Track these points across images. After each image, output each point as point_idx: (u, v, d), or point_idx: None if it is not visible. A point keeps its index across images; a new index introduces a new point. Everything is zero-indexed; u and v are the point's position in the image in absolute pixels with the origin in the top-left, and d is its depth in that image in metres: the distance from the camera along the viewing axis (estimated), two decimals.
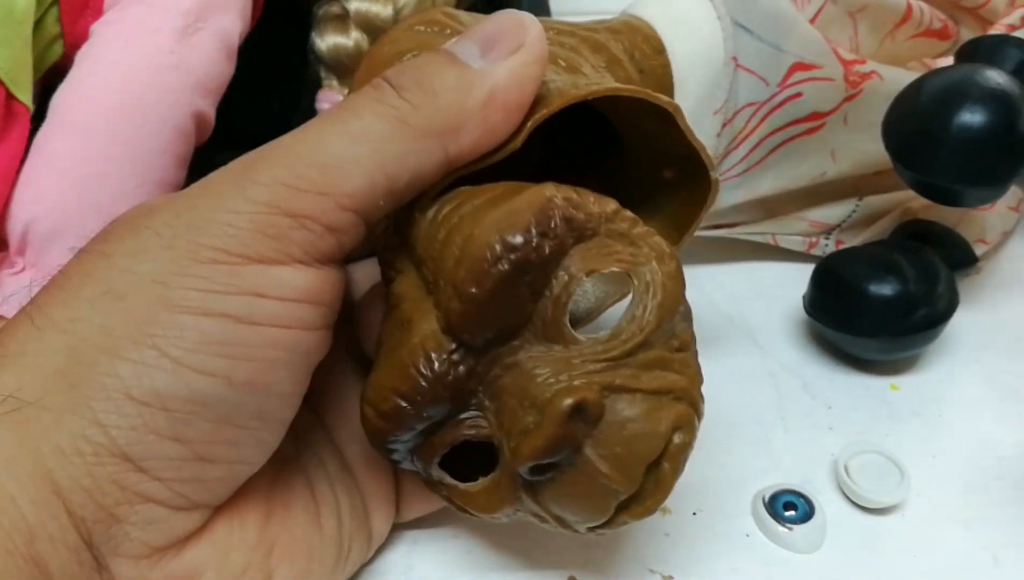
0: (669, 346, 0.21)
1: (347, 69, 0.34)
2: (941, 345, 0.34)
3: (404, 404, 0.20)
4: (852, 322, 0.32)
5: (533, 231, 0.19)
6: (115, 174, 0.28)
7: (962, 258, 0.35)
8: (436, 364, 0.20)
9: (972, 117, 0.28)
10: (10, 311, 0.27)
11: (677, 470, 0.21)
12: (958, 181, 0.29)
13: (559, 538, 0.27)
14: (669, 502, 0.28)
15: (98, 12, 0.31)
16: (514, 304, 0.19)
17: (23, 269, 0.28)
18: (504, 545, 0.26)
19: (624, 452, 0.20)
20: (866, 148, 0.35)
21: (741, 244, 0.37)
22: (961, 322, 0.34)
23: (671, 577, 0.26)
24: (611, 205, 0.20)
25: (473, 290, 0.19)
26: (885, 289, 0.31)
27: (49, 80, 0.31)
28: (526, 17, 0.21)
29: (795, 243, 0.37)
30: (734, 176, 0.33)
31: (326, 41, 0.34)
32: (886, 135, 0.31)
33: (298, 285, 0.19)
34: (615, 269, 0.20)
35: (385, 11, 0.34)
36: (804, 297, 0.33)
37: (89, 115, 0.28)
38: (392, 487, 0.25)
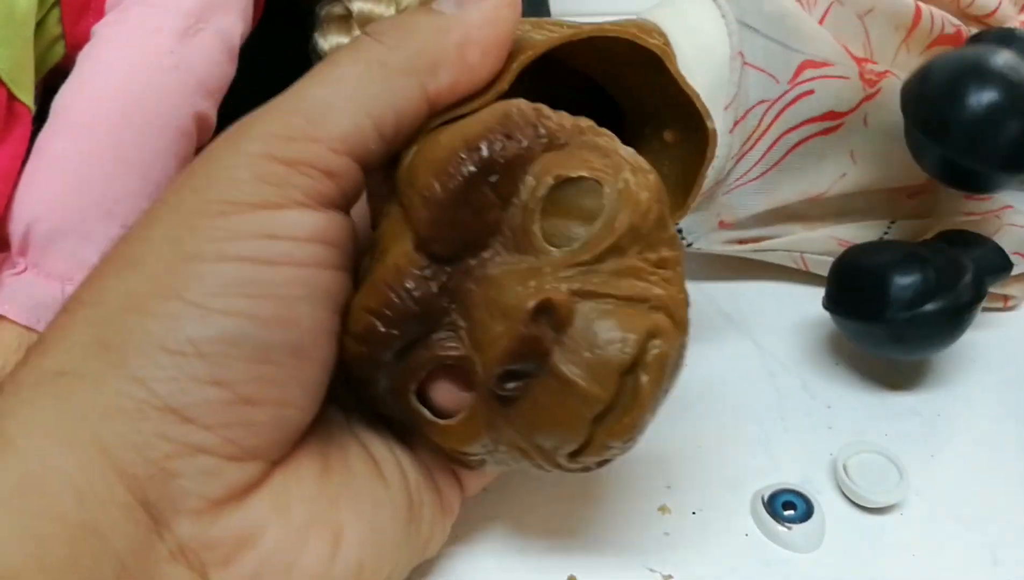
0: (645, 258, 0.20)
1: None
2: None
3: (377, 322, 0.20)
4: (872, 311, 0.30)
5: (498, 133, 0.19)
6: (117, 174, 0.28)
7: (994, 262, 0.33)
8: (407, 280, 0.20)
9: (984, 91, 0.28)
10: (11, 311, 0.27)
11: (657, 383, 0.20)
12: (972, 149, 0.28)
13: (559, 536, 0.27)
14: (669, 501, 0.28)
15: (100, 13, 0.31)
16: (480, 208, 0.19)
17: (25, 269, 0.28)
18: (504, 545, 0.26)
19: (593, 357, 0.19)
20: (888, 149, 0.34)
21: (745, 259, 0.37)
22: None
23: (671, 576, 0.26)
24: (585, 121, 0.21)
25: (438, 192, 0.19)
26: (907, 277, 0.30)
27: (51, 81, 0.31)
28: None
29: (824, 265, 0.35)
30: (753, 178, 0.33)
31: (329, 41, 0.34)
32: (904, 103, 0.30)
33: (307, 225, 0.19)
34: (584, 174, 0.19)
35: (388, 11, 0.34)
36: (824, 295, 0.32)
37: (91, 116, 0.28)
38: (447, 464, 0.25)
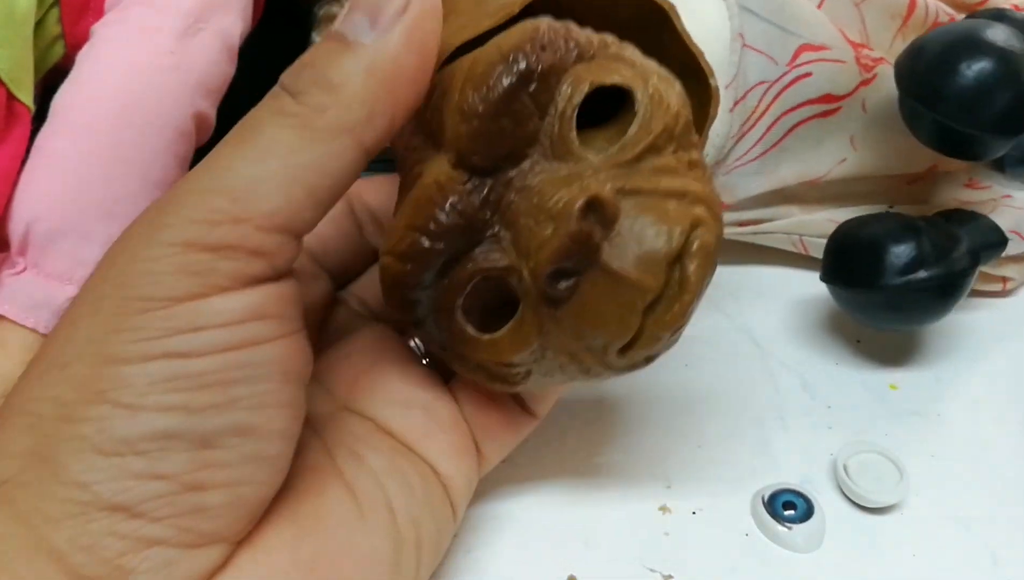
0: (679, 159, 0.20)
1: None
2: (940, 344, 0.34)
3: (421, 237, 0.20)
4: (867, 279, 0.31)
5: (533, 45, 0.20)
6: (116, 174, 0.28)
7: (989, 236, 0.34)
8: (450, 195, 0.20)
9: (977, 58, 0.28)
10: (11, 311, 0.27)
11: (702, 270, 0.20)
12: (968, 113, 0.29)
13: (559, 536, 0.27)
14: (669, 501, 0.28)
15: (99, 13, 0.31)
16: (520, 118, 0.20)
17: (24, 269, 0.28)
18: (504, 544, 0.26)
19: (641, 250, 0.19)
20: (888, 138, 0.34)
21: (745, 246, 0.37)
22: (961, 321, 0.34)
23: (671, 576, 0.26)
24: (609, 36, 0.21)
25: (478, 105, 0.19)
26: (901, 245, 0.30)
27: (50, 80, 0.31)
28: None
29: (822, 248, 0.35)
30: (752, 159, 0.33)
31: None
32: (898, 75, 0.31)
33: (235, 309, 0.18)
34: (617, 80, 0.20)
35: None
36: (821, 269, 0.33)
37: (90, 115, 0.28)
38: (462, 432, 0.24)
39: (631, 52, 0.21)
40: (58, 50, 0.31)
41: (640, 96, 0.20)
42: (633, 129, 0.20)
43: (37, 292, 0.28)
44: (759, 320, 0.35)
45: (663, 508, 0.28)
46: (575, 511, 0.27)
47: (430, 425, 0.24)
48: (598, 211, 0.19)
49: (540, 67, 0.20)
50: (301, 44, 0.35)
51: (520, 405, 0.26)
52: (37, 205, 0.28)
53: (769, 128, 0.33)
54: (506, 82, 0.19)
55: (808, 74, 0.32)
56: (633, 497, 0.28)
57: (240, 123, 0.20)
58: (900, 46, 0.35)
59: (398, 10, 0.19)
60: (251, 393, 0.19)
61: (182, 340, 0.18)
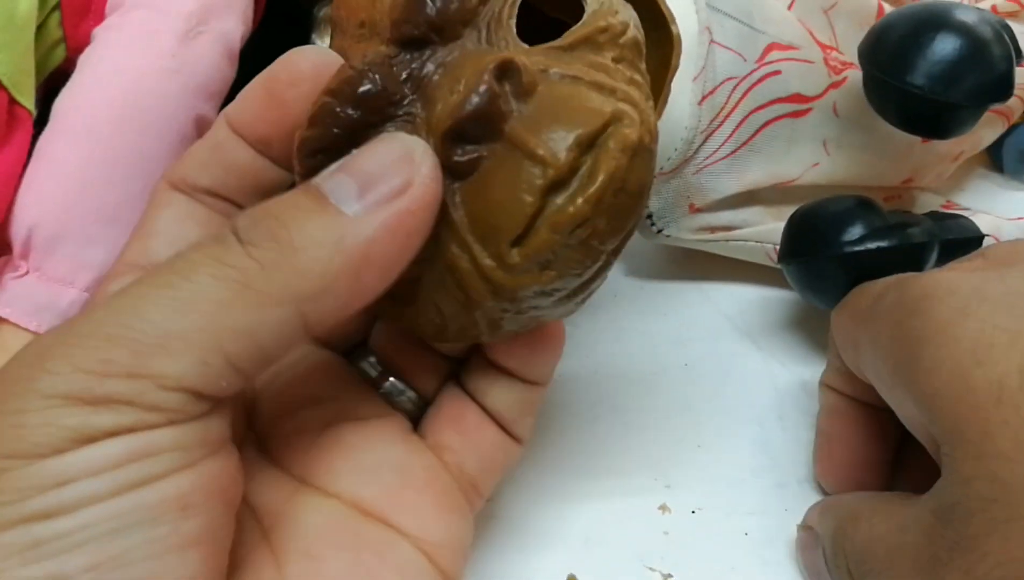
0: (620, 69, 0.19)
1: None
2: None
3: (332, 100, 0.18)
4: (823, 248, 0.30)
5: None
6: (118, 178, 0.28)
7: (965, 233, 0.33)
8: (372, 65, 0.19)
9: (943, 31, 0.29)
10: (13, 314, 0.27)
11: (616, 170, 0.17)
12: (937, 83, 0.29)
13: (559, 535, 0.27)
14: (668, 501, 0.28)
15: (100, 16, 0.31)
16: None
17: (27, 272, 0.28)
18: (504, 543, 0.27)
19: (552, 125, 0.17)
20: (862, 143, 0.35)
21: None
22: None
23: (670, 575, 0.26)
24: None
25: None
26: (859, 217, 0.29)
27: (51, 84, 0.31)
28: (418, 149, 0.18)
29: None
30: (722, 157, 0.33)
31: (326, 42, 0.34)
32: (863, 53, 0.31)
33: (111, 454, 0.16)
34: None
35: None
36: (778, 251, 0.32)
37: (91, 119, 0.28)
38: (442, 484, 0.22)
39: None
40: (59, 53, 0.31)
41: (590, 1, 0.19)
42: (577, 24, 0.19)
43: (39, 295, 0.28)
44: (759, 320, 0.35)
45: (663, 507, 0.28)
46: (575, 510, 0.28)
47: (404, 488, 0.21)
48: (512, 77, 0.18)
49: None
50: (300, 46, 0.35)
51: (504, 430, 0.23)
52: (39, 209, 0.28)
53: (739, 125, 0.32)
54: None
55: (777, 72, 0.32)
56: (633, 496, 0.28)
57: (173, 257, 0.17)
58: None
59: (395, 190, 0.17)
60: (143, 540, 0.16)
61: (46, 499, 0.15)
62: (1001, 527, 0.19)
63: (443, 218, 0.18)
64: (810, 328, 0.35)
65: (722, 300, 0.36)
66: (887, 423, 0.27)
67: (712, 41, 0.31)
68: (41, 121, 0.29)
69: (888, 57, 0.29)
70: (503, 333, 0.20)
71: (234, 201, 0.21)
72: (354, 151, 0.18)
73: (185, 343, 0.16)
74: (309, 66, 0.19)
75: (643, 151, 0.18)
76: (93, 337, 0.16)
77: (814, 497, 0.28)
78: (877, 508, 0.23)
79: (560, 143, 0.17)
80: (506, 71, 0.18)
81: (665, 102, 0.24)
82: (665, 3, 0.23)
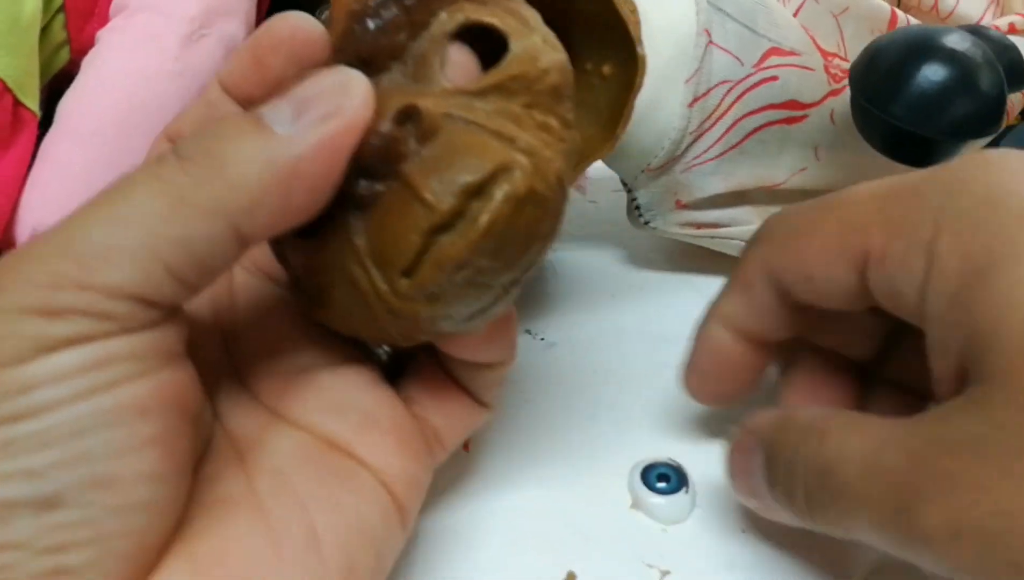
0: (531, 115, 0.20)
1: None
2: None
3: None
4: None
5: None
6: None
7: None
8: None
9: (931, 62, 0.29)
10: None
11: (499, 218, 0.19)
12: (918, 115, 0.29)
13: (558, 532, 0.27)
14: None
15: (104, 18, 0.31)
16: (389, 27, 0.20)
17: None
18: (502, 540, 0.27)
19: (444, 172, 0.19)
20: (856, 150, 0.34)
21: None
22: None
23: (668, 572, 0.26)
24: None
25: (355, 5, 0.20)
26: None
27: (56, 86, 0.31)
28: (354, 78, 0.19)
29: None
30: (711, 158, 0.33)
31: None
32: (852, 76, 0.31)
33: (71, 362, 0.17)
34: (495, 23, 0.20)
35: None
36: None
37: (95, 121, 0.29)
38: (406, 429, 0.23)
39: (529, 13, 0.21)
40: (63, 56, 0.32)
41: (513, 44, 0.20)
42: (492, 69, 0.20)
43: None
44: None
45: None
46: (575, 507, 0.28)
47: (370, 428, 0.23)
48: (416, 121, 0.19)
49: None
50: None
51: (471, 396, 0.25)
52: (43, 210, 0.28)
53: (729, 129, 0.33)
54: None
55: (774, 78, 0.32)
56: (631, 493, 0.28)
57: (116, 180, 0.18)
58: None
59: (324, 114, 0.19)
60: (102, 442, 0.17)
61: (12, 404, 0.17)
62: (1016, 480, 0.18)
63: (347, 241, 0.20)
64: None
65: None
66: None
67: (711, 43, 0.31)
68: (46, 123, 0.30)
69: (873, 86, 0.29)
70: (419, 340, 0.22)
71: None
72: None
73: (126, 254, 0.17)
74: (288, 32, 0.21)
75: (532, 199, 0.19)
76: (42, 255, 0.17)
77: None
78: (852, 425, 0.22)
79: (447, 189, 0.19)
80: (409, 115, 0.19)
81: (628, 120, 0.26)
82: (635, 25, 0.24)
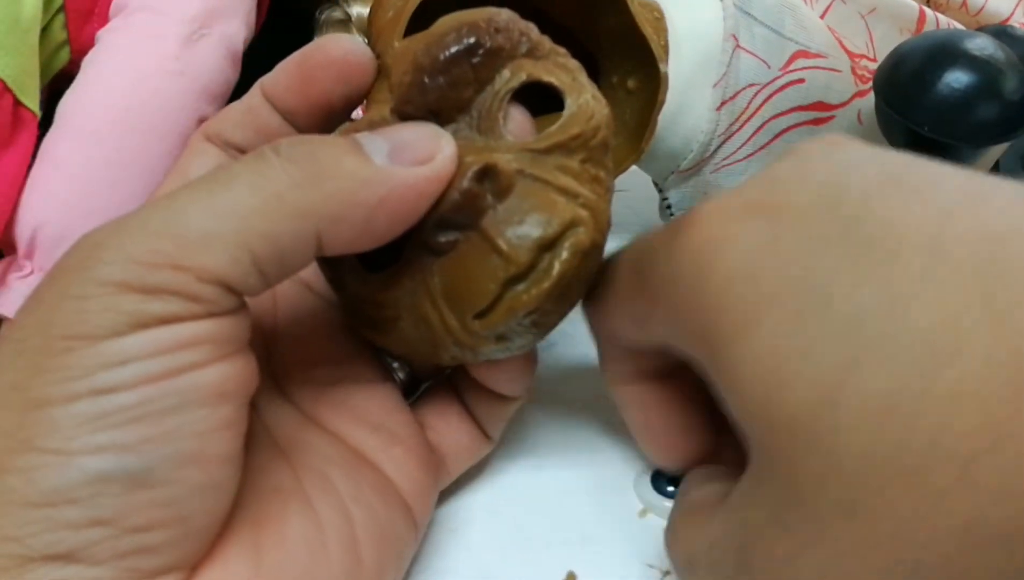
0: (585, 169, 0.22)
1: None
2: None
3: None
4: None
5: (489, 25, 0.21)
6: (121, 179, 0.28)
7: None
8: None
9: (954, 69, 0.29)
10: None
11: (569, 267, 0.21)
12: (942, 123, 0.29)
13: (558, 532, 0.27)
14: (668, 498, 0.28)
15: (104, 18, 0.31)
16: (457, 83, 0.21)
17: (31, 272, 0.28)
18: (503, 541, 0.27)
19: (519, 226, 0.21)
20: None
21: None
22: None
23: (668, 572, 0.26)
24: (562, 49, 0.23)
25: (425, 60, 0.21)
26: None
27: (56, 86, 0.31)
28: (445, 135, 0.21)
29: None
30: (740, 159, 0.33)
31: None
32: (876, 81, 0.31)
33: (162, 339, 0.18)
34: (553, 81, 0.22)
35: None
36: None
37: (95, 121, 0.29)
38: (424, 450, 0.25)
39: (577, 69, 0.23)
40: (63, 56, 0.32)
41: (570, 101, 0.22)
42: (553, 127, 0.21)
43: None
44: None
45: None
46: (575, 507, 0.28)
47: (395, 445, 0.24)
48: (493, 179, 0.21)
49: (489, 44, 0.21)
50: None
51: (480, 428, 0.27)
52: (44, 209, 0.28)
53: (758, 130, 0.33)
54: (455, 48, 0.21)
55: (801, 80, 0.32)
56: (633, 494, 0.28)
57: (215, 167, 0.20)
58: None
59: (417, 159, 0.20)
60: (188, 420, 0.18)
61: (108, 376, 0.17)
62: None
63: (423, 282, 0.22)
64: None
65: None
66: (692, 386, 0.24)
67: (738, 47, 0.31)
68: (46, 123, 0.30)
69: (897, 92, 0.30)
70: (466, 363, 0.24)
71: None
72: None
73: (221, 241, 0.18)
74: (340, 54, 0.22)
75: (593, 251, 0.21)
76: (142, 231, 0.18)
77: None
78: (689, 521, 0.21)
79: (523, 243, 0.21)
80: (487, 173, 0.21)
81: (652, 134, 0.28)
82: (657, 44, 0.26)
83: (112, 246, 0.18)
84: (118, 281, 0.18)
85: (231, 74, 0.31)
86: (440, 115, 0.21)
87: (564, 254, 0.21)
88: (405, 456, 0.24)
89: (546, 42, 0.22)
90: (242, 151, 0.23)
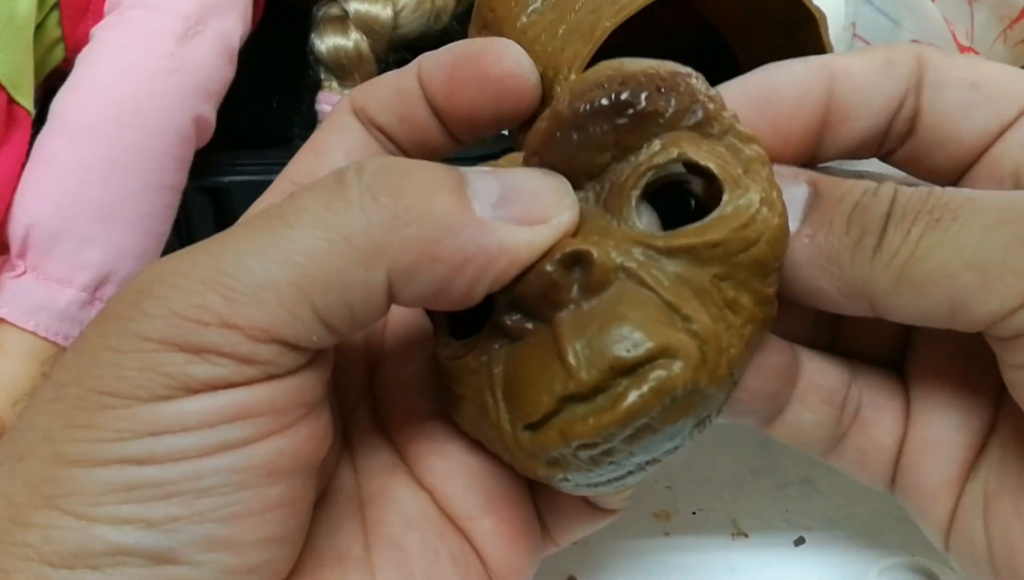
0: (720, 289, 0.17)
1: (347, 70, 0.34)
2: None
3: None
4: None
5: (651, 84, 0.17)
6: (116, 177, 0.28)
7: None
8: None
9: None
10: (11, 314, 0.27)
11: (647, 406, 0.16)
12: None
13: None
14: (669, 502, 0.28)
15: (99, 16, 0.31)
16: (593, 144, 0.17)
17: (24, 272, 0.28)
18: None
19: (597, 337, 0.16)
20: None
21: None
22: None
23: (670, 577, 0.26)
24: (751, 131, 0.18)
25: (564, 109, 0.17)
26: None
27: (50, 83, 0.31)
28: (569, 196, 0.18)
29: None
30: None
31: (326, 43, 0.34)
32: None
33: (207, 410, 0.16)
34: (711, 167, 0.17)
35: (384, 12, 0.35)
36: None
37: (90, 118, 0.29)
38: (523, 511, 0.21)
39: (760, 162, 0.18)
40: (58, 53, 0.31)
41: (727, 197, 0.17)
42: (691, 226, 0.17)
43: (37, 294, 0.28)
44: None
45: (664, 509, 0.28)
46: None
47: (489, 511, 0.21)
48: (585, 270, 0.17)
49: (643, 106, 0.17)
50: (301, 46, 0.35)
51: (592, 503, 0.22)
52: (37, 208, 0.28)
53: None
54: (597, 102, 0.17)
55: None
56: (633, 498, 0.28)
57: (286, 198, 0.17)
58: (1000, 47, 0.35)
59: (524, 216, 0.17)
60: (226, 503, 0.16)
61: (141, 445, 0.16)
62: None
63: (487, 366, 0.18)
64: None
65: None
66: None
67: (855, 35, 0.31)
68: (40, 120, 0.29)
69: None
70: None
71: (402, 147, 0.21)
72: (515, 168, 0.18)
73: (276, 294, 0.16)
74: (497, 73, 0.19)
75: (691, 395, 0.16)
76: (190, 278, 0.16)
77: (814, 497, 0.28)
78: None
79: (594, 358, 0.16)
80: (578, 261, 0.17)
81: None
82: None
83: (156, 295, 0.16)
84: (160, 338, 0.16)
85: (227, 71, 0.30)
86: (569, 176, 0.18)
87: (644, 389, 0.16)
88: (499, 526, 0.21)
89: (727, 119, 0.18)
90: (385, 134, 0.21)
